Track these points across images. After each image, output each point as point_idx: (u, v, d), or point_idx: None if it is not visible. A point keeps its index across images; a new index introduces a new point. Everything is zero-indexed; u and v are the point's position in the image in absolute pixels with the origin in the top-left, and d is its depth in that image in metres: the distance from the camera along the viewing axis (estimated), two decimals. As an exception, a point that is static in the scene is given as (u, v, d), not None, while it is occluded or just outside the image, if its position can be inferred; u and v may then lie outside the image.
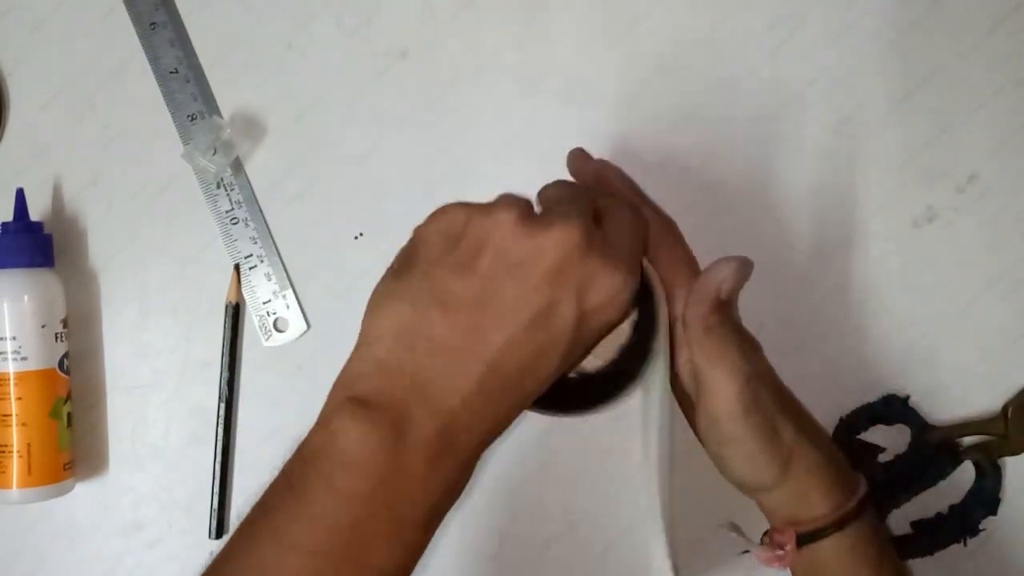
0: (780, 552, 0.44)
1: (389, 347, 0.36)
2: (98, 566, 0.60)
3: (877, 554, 0.44)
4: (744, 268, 0.42)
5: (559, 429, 0.58)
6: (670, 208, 0.58)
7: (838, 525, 0.43)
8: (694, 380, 0.43)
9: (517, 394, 0.37)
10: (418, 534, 0.36)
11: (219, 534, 0.59)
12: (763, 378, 0.43)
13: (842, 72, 0.57)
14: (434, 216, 0.38)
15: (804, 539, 0.43)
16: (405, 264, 0.38)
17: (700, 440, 0.44)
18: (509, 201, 0.37)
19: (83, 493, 0.59)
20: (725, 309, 0.42)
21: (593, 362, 0.43)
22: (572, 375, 0.42)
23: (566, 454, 0.59)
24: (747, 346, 0.43)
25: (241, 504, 0.59)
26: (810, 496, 0.43)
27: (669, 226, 0.45)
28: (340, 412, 0.35)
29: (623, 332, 0.42)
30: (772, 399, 0.42)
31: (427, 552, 0.59)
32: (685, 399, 0.44)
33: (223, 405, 0.59)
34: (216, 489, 0.59)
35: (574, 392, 0.42)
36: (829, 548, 0.43)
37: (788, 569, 0.45)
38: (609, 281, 0.36)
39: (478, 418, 0.36)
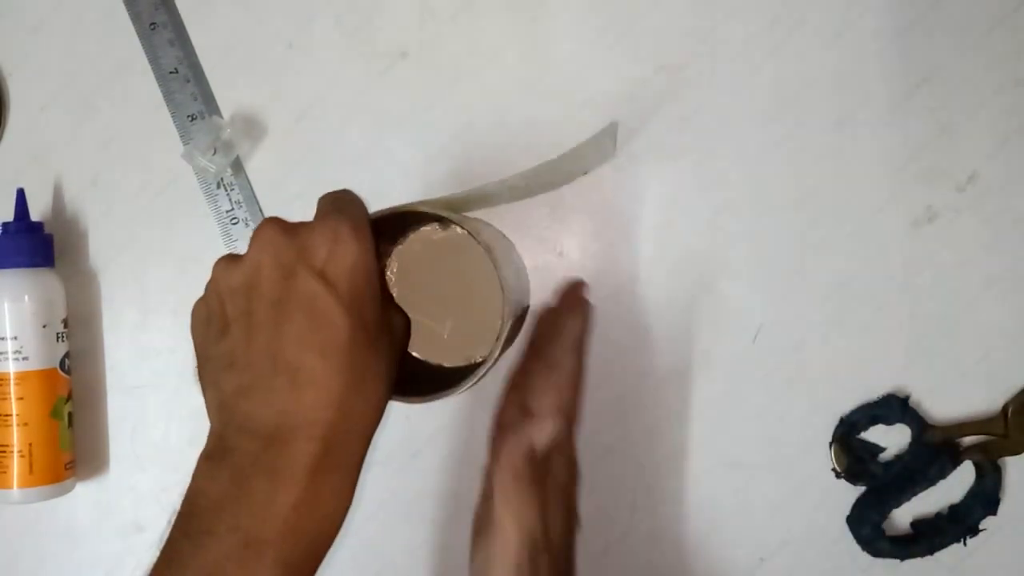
0: None
1: (213, 417, 0.39)
2: (98, 566, 0.61)
3: None
4: (556, 431, 0.43)
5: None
6: (670, 208, 0.59)
7: None
8: (487, 515, 0.44)
9: (329, 376, 0.37)
10: (268, 551, 0.36)
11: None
12: (551, 545, 0.43)
13: (842, 72, 0.57)
14: (193, 311, 0.41)
15: None
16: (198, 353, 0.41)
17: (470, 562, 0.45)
18: (219, 260, 0.40)
19: (83, 493, 0.60)
20: (537, 465, 0.42)
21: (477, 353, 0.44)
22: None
23: (566, 454, 0.59)
24: (554, 510, 0.43)
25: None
26: None
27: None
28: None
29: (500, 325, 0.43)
30: (549, 569, 0.43)
31: (427, 552, 0.60)
32: (476, 521, 0.45)
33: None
34: (216, 489, 0.59)
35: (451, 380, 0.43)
36: None
37: None
38: (319, 234, 0.38)
39: (302, 419, 0.37)
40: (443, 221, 0.45)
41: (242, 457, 0.37)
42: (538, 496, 0.42)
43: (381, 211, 0.42)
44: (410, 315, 0.45)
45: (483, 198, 0.46)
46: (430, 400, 0.43)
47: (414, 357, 0.45)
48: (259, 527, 0.36)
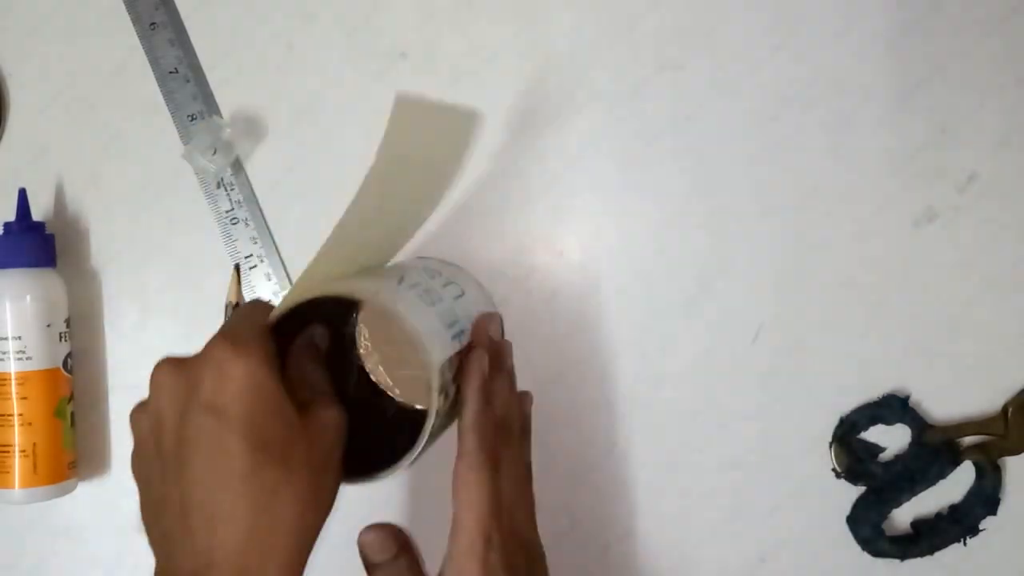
0: None
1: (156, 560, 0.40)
2: (98, 566, 0.61)
3: None
4: (386, 538, 0.44)
5: (560, 429, 0.58)
6: (670, 208, 0.59)
7: None
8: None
9: (236, 508, 0.37)
10: None
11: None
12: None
13: (842, 72, 0.58)
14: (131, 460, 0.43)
15: None
16: None
17: None
18: (133, 408, 0.42)
19: (84, 493, 0.60)
20: (382, 570, 0.43)
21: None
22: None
23: (566, 454, 0.59)
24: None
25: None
26: None
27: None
28: None
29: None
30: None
31: (428, 552, 0.60)
32: None
33: None
34: (216, 489, 0.59)
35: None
36: None
37: None
38: (204, 366, 0.38)
39: (221, 555, 0.37)
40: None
41: None
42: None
43: (284, 308, 0.42)
44: (395, 371, 0.45)
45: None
46: (377, 479, 0.43)
47: (404, 409, 0.46)
48: None
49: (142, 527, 0.41)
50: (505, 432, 0.46)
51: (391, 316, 0.42)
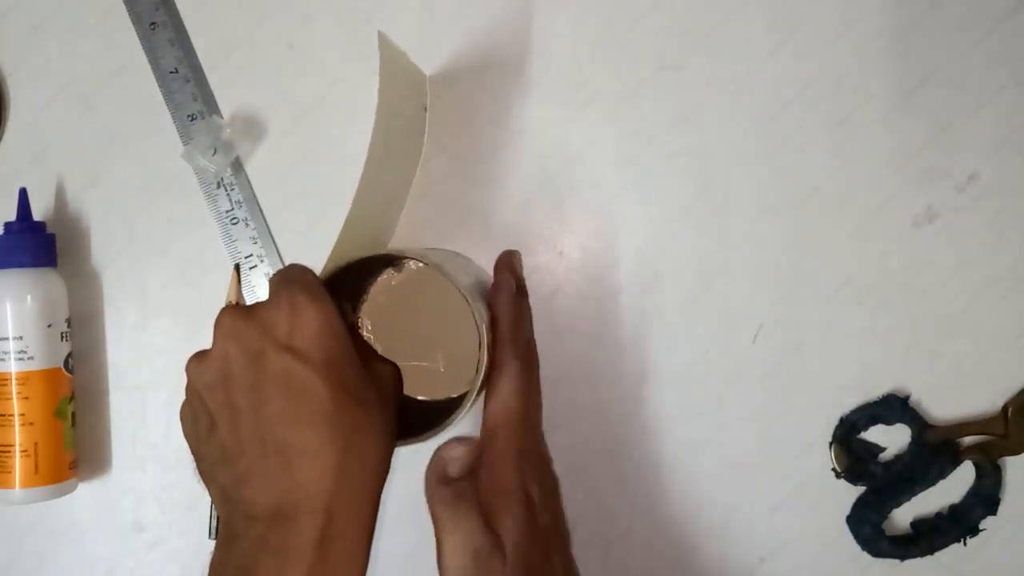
0: None
1: (219, 508, 0.41)
2: (98, 566, 0.62)
3: None
4: (470, 455, 0.43)
5: (559, 429, 0.59)
6: (670, 208, 0.59)
7: None
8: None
9: (321, 446, 0.38)
10: None
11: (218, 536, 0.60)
12: (505, 552, 0.42)
13: (842, 72, 0.58)
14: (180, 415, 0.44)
15: None
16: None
17: None
18: (190, 359, 0.42)
19: (84, 493, 0.61)
20: (457, 482, 0.43)
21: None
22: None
23: (566, 454, 0.59)
24: (510, 512, 0.42)
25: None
26: None
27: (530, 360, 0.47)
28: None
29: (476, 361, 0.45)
30: (505, 570, 0.42)
31: (428, 552, 0.60)
32: None
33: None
34: (216, 489, 0.60)
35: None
36: None
37: None
38: (276, 310, 0.39)
39: (302, 493, 0.38)
40: (396, 263, 0.46)
41: (248, 542, 0.38)
42: (466, 510, 0.42)
43: (331, 269, 0.43)
44: (400, 362, 0.46)
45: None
46: (426, 438, 0.44)
47: (407, 398, 0.46)
48: None
49: (199, 481, 0.41)
50: (534, 353, 0.47)
51: (442, 274, 0.44)
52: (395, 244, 0.57)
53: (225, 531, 0.40)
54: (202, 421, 0.41)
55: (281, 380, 0.38)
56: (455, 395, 0.46)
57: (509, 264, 0.49)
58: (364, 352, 0.42)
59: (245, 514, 0.39)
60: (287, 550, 0.37)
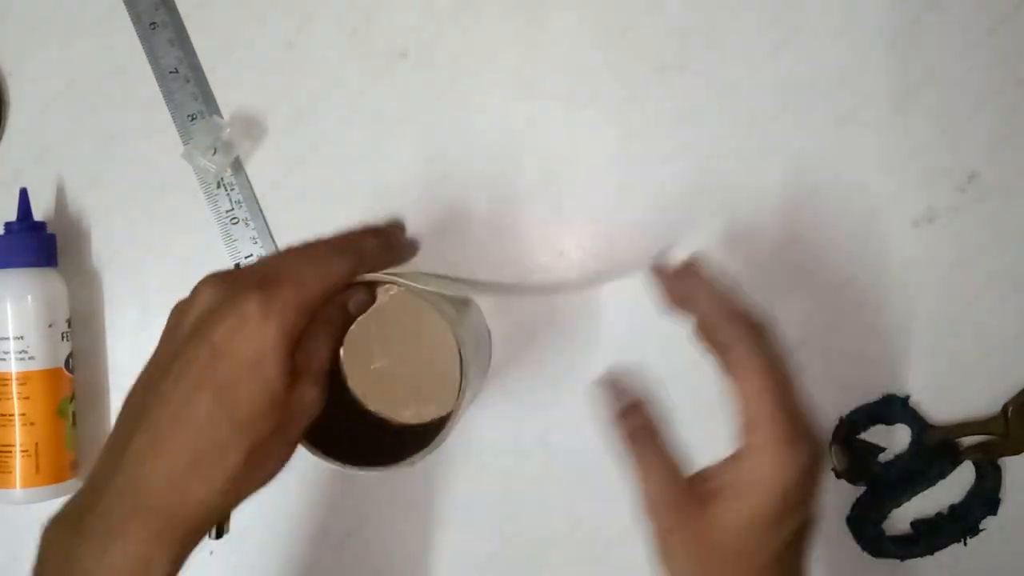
0: None
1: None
2: (98, 566, 0.62)
3: None
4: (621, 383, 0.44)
5: (559, 429, 0.59)
6: (670, 208, 0.59)
7: None
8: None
9: (178, 462, 0.39)
10: None
11: (219, 534, 0.60)
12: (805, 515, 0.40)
13: (842, 72, 0.58)
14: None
15: None
16: None
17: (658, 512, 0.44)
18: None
19: (84, 493, 0.61)
20: (632, 416, 0.44)
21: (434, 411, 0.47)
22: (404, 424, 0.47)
23: (566, 454, 0.60)
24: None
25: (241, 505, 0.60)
26: None
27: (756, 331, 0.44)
28: None
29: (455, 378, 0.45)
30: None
31: (428, 552, 0.60)
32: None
33: None
34: (216, 489, 0.60)
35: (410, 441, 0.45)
36: None
37: None
38: (230, 309, 0.39)
39: (132, 483, 0.39)
40: (379, 286, 0.46)
41: (85, 508, 0.40)
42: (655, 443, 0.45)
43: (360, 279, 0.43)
44: (382, 384, 0.47)
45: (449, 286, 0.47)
46: (413, 463, 0.44)
47: (377, 417, 0.47)
48: None
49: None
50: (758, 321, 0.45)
51: (421, 298, 0.45)
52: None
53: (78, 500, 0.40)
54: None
55: (184, 370, 0.39)
56: (437, 417, 0.47)
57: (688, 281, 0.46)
58: (305, 369, 0.42)
59: (108, 472, 0.39)
60: (109, 531, 0.38)
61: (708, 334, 0.44)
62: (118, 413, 0.41)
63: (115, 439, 0.40)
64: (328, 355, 0.43)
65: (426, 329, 0.46)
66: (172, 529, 0.38)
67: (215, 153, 0.60)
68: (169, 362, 0.39)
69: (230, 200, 0.61)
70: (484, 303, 0.57)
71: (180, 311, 0.41)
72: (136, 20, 0.61)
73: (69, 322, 0.60)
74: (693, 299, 0.45)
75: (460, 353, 0.45)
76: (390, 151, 0.61)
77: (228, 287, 0.40)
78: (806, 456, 0.40)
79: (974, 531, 0.58)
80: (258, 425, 0.39)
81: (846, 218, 0.59)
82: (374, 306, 0.47)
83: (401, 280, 0.44)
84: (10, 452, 0.57)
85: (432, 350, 0.46)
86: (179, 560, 0.39)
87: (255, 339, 0.38)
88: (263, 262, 0.43)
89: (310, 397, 0.41)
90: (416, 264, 0.47)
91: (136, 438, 0.39)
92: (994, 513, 0.58)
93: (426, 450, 0.44)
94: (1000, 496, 0.58)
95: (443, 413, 0.47)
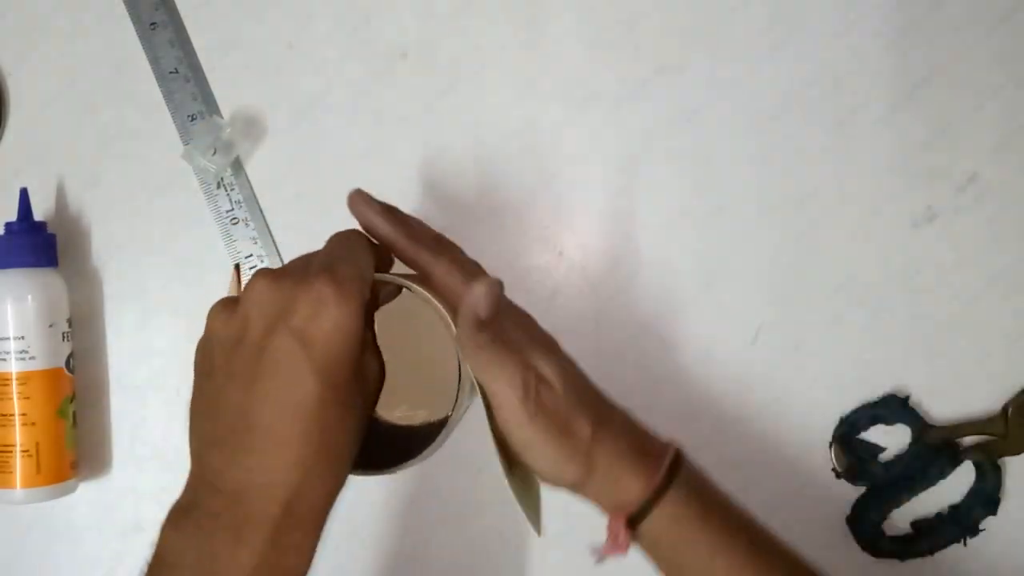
0: (618, 540, 0.45)
1: (191, 463, 0.42)
2: (98, 567, 0.62)
3: (700, 514, 0.46)
4: (494, 288, 0.43)
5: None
6: (670, 208, 0.60)
7: (653, 500, 0.45)
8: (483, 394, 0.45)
9: (297, 439, 0.39)
10: None
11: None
12: (550, 381, 0.44)
13: (842, 72, 0.59)
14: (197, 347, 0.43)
15: (632, 521, 0.45)
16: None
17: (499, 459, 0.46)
18: (216, 303, 0.42)
19: (84, 493, 0.61)
20: (491, 326, 0.43)
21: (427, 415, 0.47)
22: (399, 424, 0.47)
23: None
24: (534, 351, 0.44)
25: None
26: (621, 480, 0.45)
27: (442, 246, 0.47)
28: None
29: (452, 382, 0.46)
30: (564, 400, 0.44)
31: (428, 552, 0.61)
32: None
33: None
34: (216, 489, 0.60)
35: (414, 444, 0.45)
36: (656, 523, 0.45)
37: (644, 554, 0.47)
38: (304, 293, 0.39)
39: (266, 478, 0.39)
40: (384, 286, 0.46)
41: (207, 514, 0.39)
42: (506, 351, 0.43)
43: (387, 278, 0.44)
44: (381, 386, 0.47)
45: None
46: (412, 464, 0.45)
47: (385, 424, 0.47)
48: None
49: (187, 417, 0.42)
50: (443, 241, 0.47)
51: (426, 301, 0.45)
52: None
53: (187, 497, 0.41)
54: (206, 365, 0.42)
55: (280, 363, 0.39)
56: (427, 422, 0.46)
57: (359, 202, 0.47)
58: (363, 345, 0.43)
59: (209, 483, 0.40)
60: (242, 531, 0.38)
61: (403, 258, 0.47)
62: (193, 421, 0.41)
63: (210, 441, 0.40)
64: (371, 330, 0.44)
65: (427, 333, 0.46)
66: (311, 520, 0.39)
67: (215, 153, 0.60)
68: (253, 359, 0.39)
69: (230, 200, 0.61)
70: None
71: (229, 309, 0.41)
72: (136, 20, 0.62)
73: (70, 322, 0.60)
74: (376, 231, 0.46)
75: (460, 361, 0.45)
76: (390, 151, 0.61)
77: (291, 276, 0.40)
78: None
79: (974, 531, 0.58)
80: (356, 400, 0.41)
81: (846, 218, 0.59)
82: (381, 307, 0.47)
83: (415, 287, 0.44)
84: (11, 452, 0.57)
85: (432, 354, 0.46)
86: (315, 548, 0.40)
87: (337, 318, 0.39)
88: (313, 253, 0.43)
89: (376, 366, 0.44)
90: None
91: (252, 437, 0.39)
92: (994, 513, 0.58)
93: (426, 451, 0.44)
94: (1000, 496, 0.58)
95: (433, 419, 0.46)
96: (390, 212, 0.47)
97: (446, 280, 0.45)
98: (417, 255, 0.45)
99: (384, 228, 0.46)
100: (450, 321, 0.44)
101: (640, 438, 0.47)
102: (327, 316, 0.39)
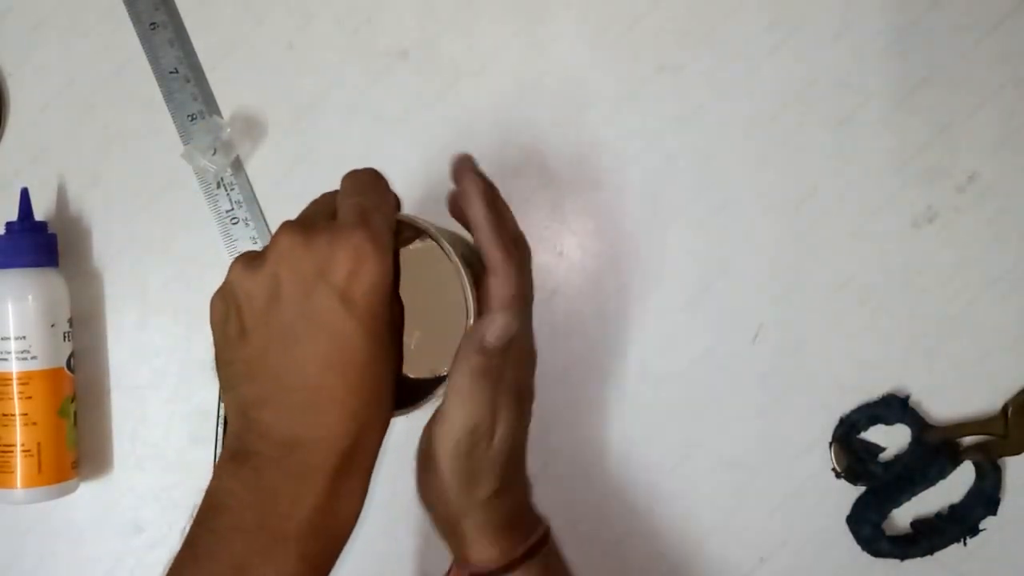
0: None
1: (232, 419, 0.42)
2: (98, 567, 0.63)
3: None
4: (510, 328, 0.43)
5: (559, 429, 0.59)
6: (670, 207, 0.60)
7: (508, 567, 0.47)
8: (441, 406, 0.45)
9: (348, 395, 0.40)
10: (292, 546, 0.39)
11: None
12: (495, 436, 0.44)
13: (842, 72, 0.59)
14: (212, 304, 0.43)
15: None
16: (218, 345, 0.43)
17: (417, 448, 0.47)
18: (238, 259, 0.42)
19: (84, 493, 0.61)
20: (492, 355, 0.43)
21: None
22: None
23: (566, 454, 0.60)
24: (507, 401, 0.44)
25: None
26: (479, 543, 0.47)
27: (517, 249, 0.46)
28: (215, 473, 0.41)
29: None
30: (488, 458, 0.44)
31: (428, 552, 0.61)
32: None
33: (223, 405, 0.60)
34: (217, 489, 0.60)
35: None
36: None
37: None
38: (342, 251, 0.39)
39: (323, 432, 0.40)
40: (420, 235, 0.46)
41: (265, 460, 0.40)
42: (489, 390, 0.43)
43: (407, 217, 0.44)
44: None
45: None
46: (410, 411, 0.44)
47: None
48: (284, 525, 0.39)
49: (214, 375, 0.42)
50: (523, 245, 0.47)
51: (455, 271, 0.44)
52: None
53: (237, 445, 0.41)
54: (232, 324, 0.41)
55: (327, 322, 0.39)
56: (412, 376, 0.46)
57: (468, 168, 0.47)
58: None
59: (260, 434, 0.40)
60: (303, 476, 0.39)
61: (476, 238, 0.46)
62: (230, 382, 0.41)
63: (255, 402, 0.40)
64: None
65: (439, 282, 0.45)
66: (365, 466, 0.41)
67: (215, 153, 0.60)
68: (294, 320, 0.39)
69: (230, 200, 0.62)
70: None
71: (254, 265, 0.40)
72: (136, 20, 0.62)
73: (70, 322, 0.60)
74: (470, 208, 0.45)
75: (467, 309, 0.43)
76: (390, 151, 0.61)
77: (324, 232, 0.40)
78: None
79: (974, 531, 0.59)
80: (391, 345, 0.41)
81: (846, 218, 0.59)
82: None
83: (452, 255, 0.43)
84: (11, 452, 0.58)
85: (442, 304, 0.45)
86: (367, 490, 0.41)
87: (376, 274, 0.39)
88: (332, 196, 0.43)
89: (398, 308, 0.44)
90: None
91: (303, 396, 0.39)
92: (994, 513, 0.59)
93: (430, 396, 0.44)
94: (1000, 496, 0.59)
95: (431, 375, 0.46)
96: (491, 192, 0.46)
97: (499, 289, 0.44)
98: (491, 250, 0.44)
99: (479, 211, 0.45)
100: (469, 295, 0.44)
101: (515, 517, 0.48)
102: (367, 272, 0.39)
